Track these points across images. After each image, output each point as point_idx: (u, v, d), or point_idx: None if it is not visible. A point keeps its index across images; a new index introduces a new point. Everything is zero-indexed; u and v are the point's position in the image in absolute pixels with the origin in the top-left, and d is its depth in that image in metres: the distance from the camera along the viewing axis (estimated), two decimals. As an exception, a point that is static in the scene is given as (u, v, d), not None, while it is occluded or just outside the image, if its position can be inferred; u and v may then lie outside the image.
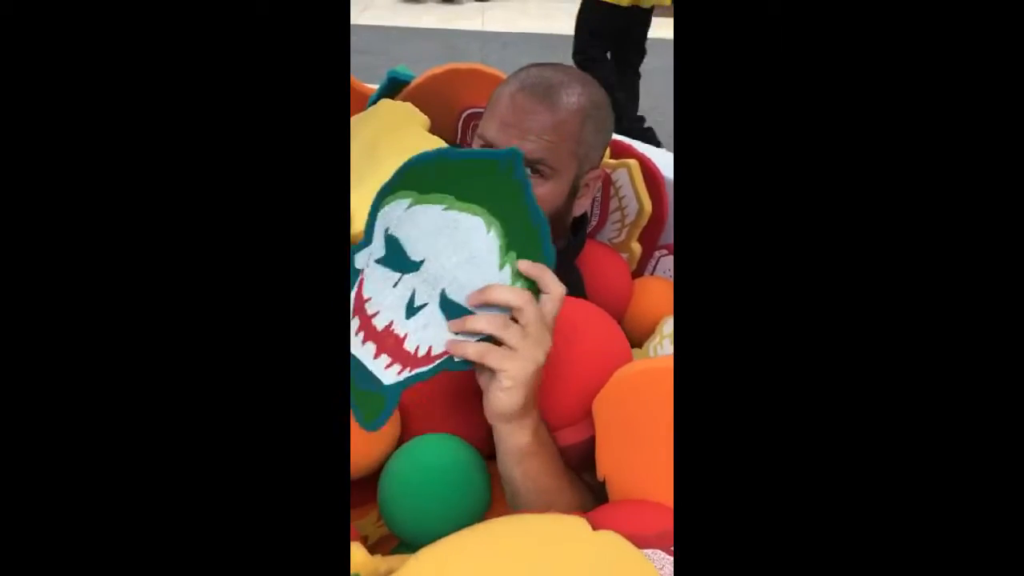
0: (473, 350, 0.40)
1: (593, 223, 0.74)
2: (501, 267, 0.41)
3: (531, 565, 0.34)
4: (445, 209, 0.43)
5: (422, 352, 0.42)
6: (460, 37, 4.47)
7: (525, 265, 0.41)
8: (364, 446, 0.48)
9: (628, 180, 0.71)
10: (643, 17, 2.66)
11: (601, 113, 0.62)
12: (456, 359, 0.41)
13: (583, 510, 0.45)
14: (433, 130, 0.62)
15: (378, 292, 0.44)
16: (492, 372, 0.40)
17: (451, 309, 0.42)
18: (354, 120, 0.68)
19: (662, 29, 4.66)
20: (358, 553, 0.34)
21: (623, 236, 0.74)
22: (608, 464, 0.46)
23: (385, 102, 0.67)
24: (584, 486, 0.48)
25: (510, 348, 0.40)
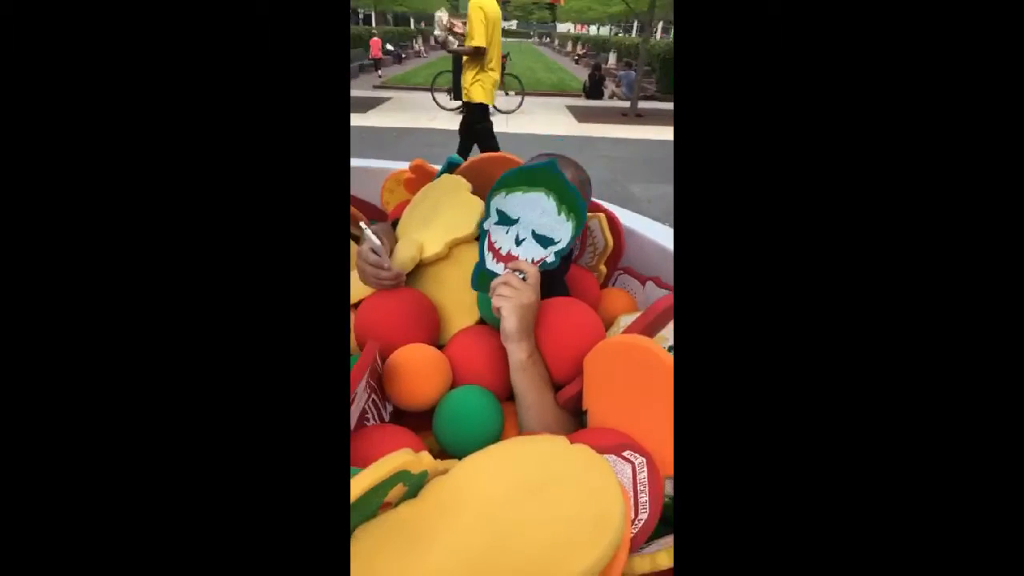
0: (493, 298, 0.49)
1: (576, 254, 0.74)
2: (559, 213, 0.51)
3: (530, 465, 0.34)
4: (523, 193, 0.52)
5: (529, 262, 0.52)
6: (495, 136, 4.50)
7: (514, 264, 0.51)
8: (429, 389, 0.49)
9: (598, 226, 0.72)
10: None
11: (587, 187, 0.63)
12: (548, 263, 0.51)
13: (562, 416, 0.48)
14: (475, 192, 0.64)
15: (499, 238, 0.54)
16: (498, 310, 0.49)
17: (540, 238, 0.52)
18: (425, 188, 0.69)
19: (620, 131, 4.64)
20: (426, 458, 0.34)
21: (594, 261, 0.74)
22: (590, 401, 0.46)
23: (445, 176, 0.68)
24: (554, 394, 0.49)
25: (504, 296, 0.49)
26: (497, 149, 2.66)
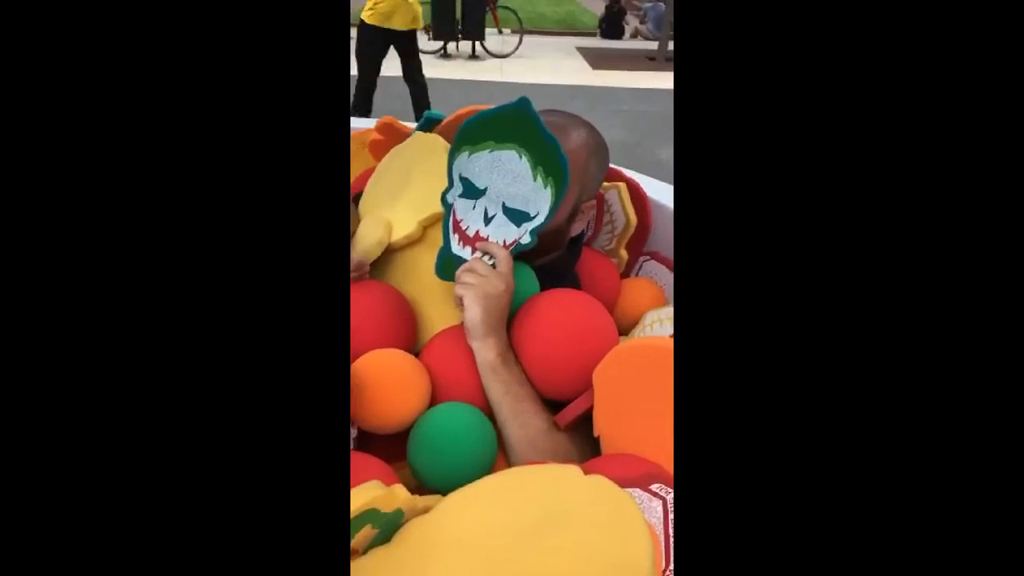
0: (455, 287, 0.51)
1: (589, 234, 0.74)
2: (535, 179, 0.51)
3: (535, 501, 0.34)
4: (491, 151, 0.53)
5: (499, 243, 0.53)
6: (484, 87, 4.49)
7: (482, 245, 0.53)
8: (402, 406, 0.49)
9: (617, 199, 0.71)
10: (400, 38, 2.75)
11: (602, 152, 0.63)
12: (523, 243, 0.52)
13: (560, 440, 0.48)
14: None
15: (465, 214, 0.55)
16: (460, 299, 0.51)
17: (511, 213, 0.53)
18: (393, 151, 0.68)
19: (644, 80, 4.65)
20: (401, 492, 0.35)
21: (613, 244, 0.74)
22: (603, 423, 0.47)
23: (418, 134, 0.67)
24: (546, 411, 0.50)
25: (467, 283, 0.50)
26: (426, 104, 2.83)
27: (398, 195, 0.64)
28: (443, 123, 0.69)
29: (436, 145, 0.63)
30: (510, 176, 0.52)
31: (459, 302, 0.51)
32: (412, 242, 0.62)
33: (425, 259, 0.59)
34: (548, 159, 0.50)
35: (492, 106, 0.61)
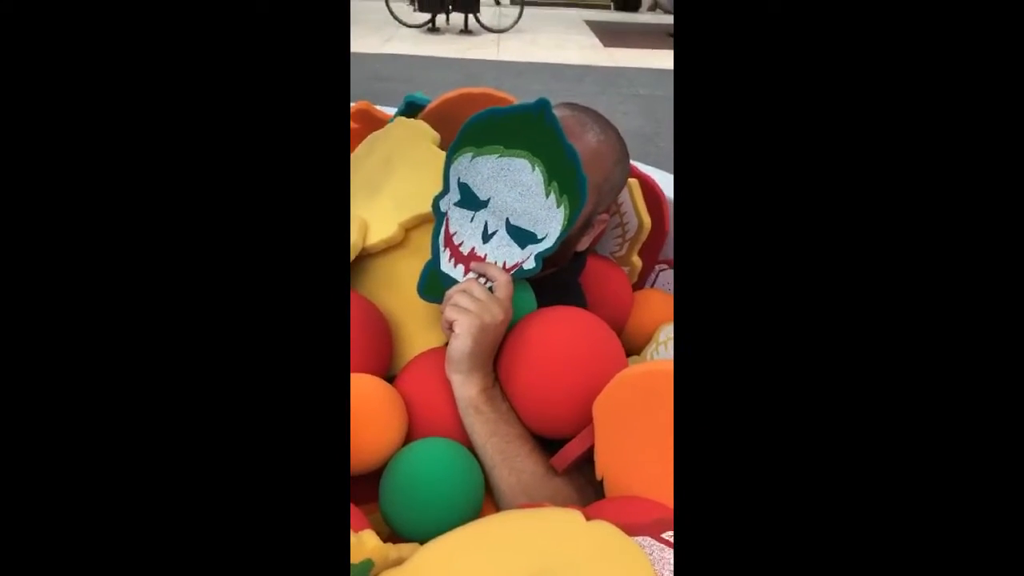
0: (445, 310, 0.51)
1: (594, 240, 0.75)
2: (547, 195, 0.51)
3: (530, 552, 0.34)
4: (499, 157, 0.52)
5: (499, 266, 0.54)
6: (477, 66, 4.54)
7: (477, 266, 0.53)
8: (374, 441, 0.49)
9: (629, 199, 0.72)
10: None
11: (625, 163, 0.65)
12: (525, 269, 0.53)
13: (555, 485, 0.49)
14: (444, 146, 0.63)
15: (460, 227, 0.55)
16: (450, 325, 0.51)
17: (516, 232, 0.53)
18: (371, 137, 0.69)
19: (664, 60, 4.71)
20: (370, 540, 0.35)
21: (624, 250, 0.75)
22: (606, 463, 0.47)
23: (399, 120, 0.68)
24: (540, 452, 0.51)
25: (462, 308, 0.50)
26: None
27: (376, 191, 0.64)
28: (428, 108, 0.70)
29: (421, 132, 0.64)
30: (518, 189, 0.52)
31: (447, 327, 0.52)
32: (392, 247, 0.62)
33: (406, 267, 0.60)
34: (565, 174, 0.50)
35: (486, 89, 0.62)
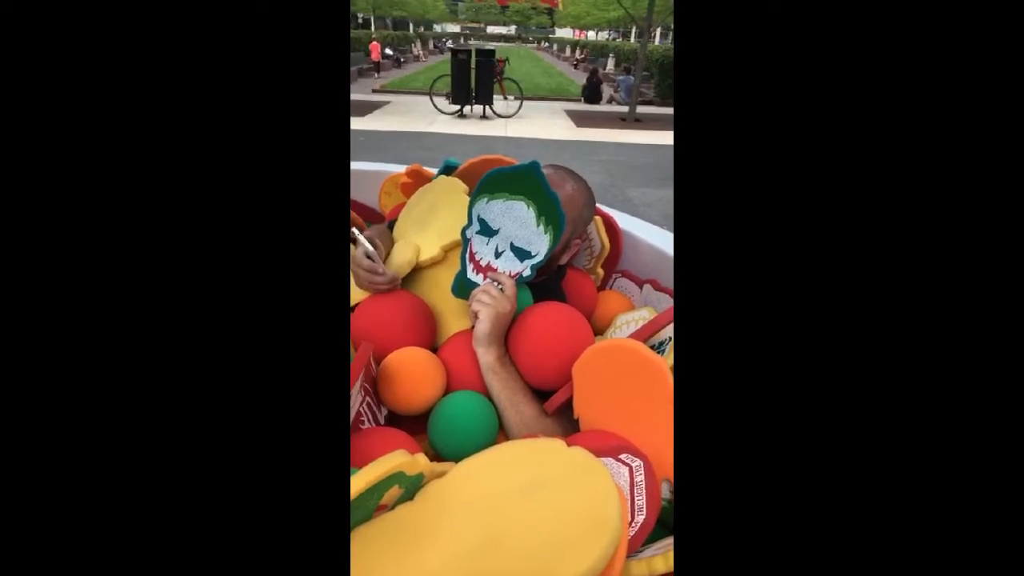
0: (472, 304, 0.52)
1: (572, 256, 0.74)
2: (537, 226, 0.52)
3: (528, 468, 0.34)
4: (505, 200, 0.53)
5: (506, 273, 0.54)
6: (491, 140, 4.54)
7: (492, 275, 0.53)
8: (424, 393, 0.49)
9: (595, 229, 0.72)
10: None
11: (592, 205, 0.64)
12: (524, 276, 0.53)
13: (546, 422, 0.48)
14: (470, 194, 0.63)
15: (480, 248, 0.55)
16: (475, 314, 0.51)
17: (518, 251, 0.54)
18: (421, 190, 0.69)
19: (619, 136, 4.69)
20: (422, 459, 0.34)
21: (592, 264, 0.74)
22: (581, 407, 0.46)
23: (441, 177, 0.68)
24: (536, 401, 0.50)
25: (483, 303, 0.51)
26: None
27: (425, 225, 0.64)
28: (460, 169, 0.69)
29: (455, 187, 0.64)
30: (519, 222, 0.53)
31: (473, 316, 0.52)
32: (435, 262, 0.62)
33: (445, 276, 0.60)
34: (549, 211, 0.51)
35: (498, 156, 0.62)
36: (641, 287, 0.72)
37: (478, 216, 0.55)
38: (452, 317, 0.60)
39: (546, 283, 0.63)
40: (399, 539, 0.29)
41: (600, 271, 0.74)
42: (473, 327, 0.52)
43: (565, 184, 0.59)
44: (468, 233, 0.56)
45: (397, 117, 5.32)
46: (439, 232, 0.62)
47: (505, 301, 0.51)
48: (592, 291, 0.70)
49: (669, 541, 0.33)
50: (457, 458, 0.37)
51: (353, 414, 0.42)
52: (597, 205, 0.73)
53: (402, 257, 0.59)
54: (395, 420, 0.51)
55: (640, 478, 0.34)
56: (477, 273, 0.55)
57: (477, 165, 0.68)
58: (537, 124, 5.50)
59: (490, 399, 0.50)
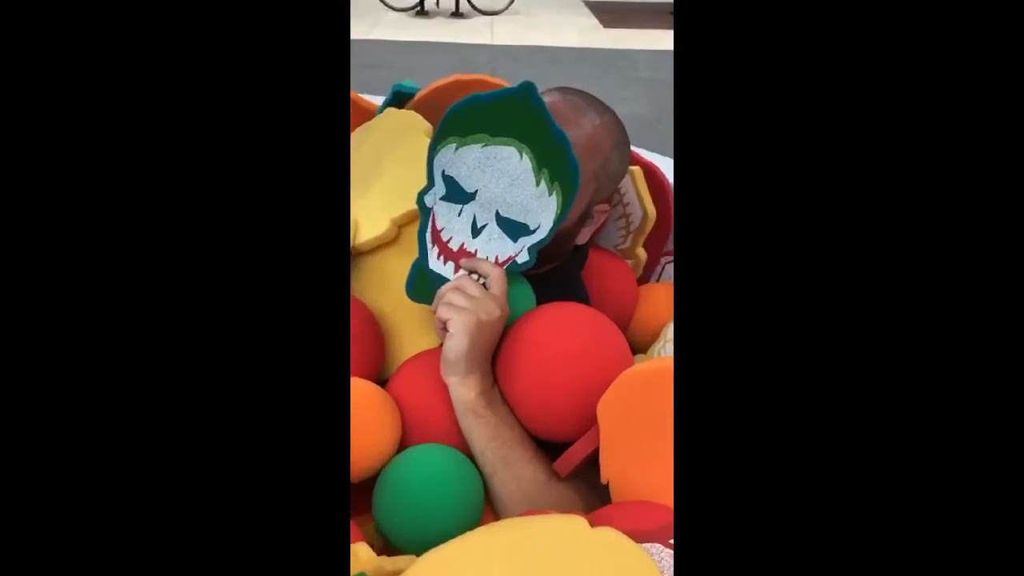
0: (439, 309, 0.52)
1: (592, 230, 0.74)
2: (537, 184, 0.51)
3: (532, 562, 0.35)
4: (484, 146, 0.52)
5: (491, 261, 0.54)
6: (469, 50, 4.53)
7: (464, 263, 0.54)
8: (366, 448, 0.49)
9: (632, 187, 0.72)
10: None
11: (625, 149, 0.64)
12: (519, 263, 0.53)
13: (559, 491, 0.49)
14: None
15: (448, 222, 0.55)
16: (444, 325, 0.51)
17: (506, 225, 0.53)
18: (359, 130, 0.69)
19: (667, 41, 4.71)
20: (363, 551, 0.35)
21: (628, 243, 0.74)
22: (612, 466, 0.47)
23: (389, 111, 0.68)
24: (542, 457, 0.51)
25: (456, 307, 0.50)
26: None
27: (365, 187, 0.64)
28: (418, 97, 0.69)
29: (412, 124, 0.64)
30: (507, 179, 0.52)
31: (441, 327, 0.52)
32: (384, 244, 0.62)
33: (399, 266, 0.60)
34: (555, 160, 0.50)
35: (478, 76, 0.61)
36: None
37: (443, 173, 0.54)
38: (408, 329, 0.60)
39: (556, 274, 0.63)
40: None
41: (641, 253, 0.75)
42: (442, 345, 0.52)
43: (580, 118, 0.59)
44: (428, 199, 0.56)
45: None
46: (389, 197, 0.62)
47: (491, 303, 0.51)
48: (629, 284, 0.71)
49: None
50: (419, 549, 0.37)
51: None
52: (635, 150, 0.73)
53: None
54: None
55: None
56: (445, 261, 0.55)
57: (446, 91, 0.67)
58: (541, 24, 5.50)
59: (470, 456, 0.51)
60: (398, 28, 4.90)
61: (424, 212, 0.57)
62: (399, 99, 0.72)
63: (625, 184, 0.72)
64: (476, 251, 0.54)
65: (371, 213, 0.63)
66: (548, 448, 0.52)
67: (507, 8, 5.78)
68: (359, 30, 4.70)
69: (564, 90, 0.62)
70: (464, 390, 0.51)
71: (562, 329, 0.52)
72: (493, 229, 0.54)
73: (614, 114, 0.63)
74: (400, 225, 0.62)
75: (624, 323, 0.69)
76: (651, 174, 0.74)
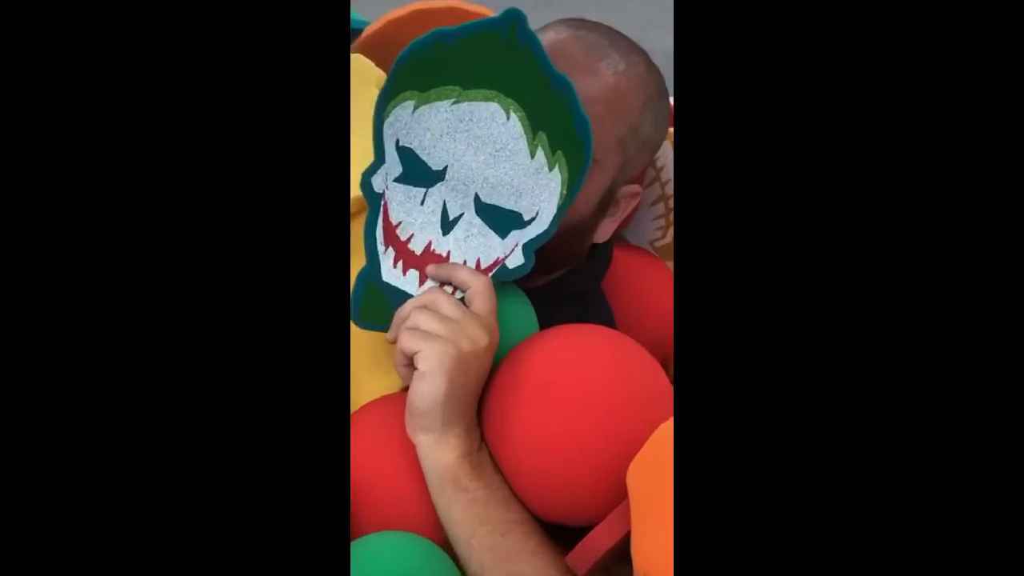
0: (401, 338, 0.49)
1: (619, 216, 0.71)
2: (532, 155, 0.48)
3: None
4: (453, 103, 0.49)
5: (471, 266, 0.52)
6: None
7: (432, 270, 0.51)
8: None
9: (673, 159, 0.67)
10: None
11: (664, 105, 0.60)
12: (510, 268, 0.51)
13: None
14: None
15: (407, 213, 0.52)
16: (409, 361, 0.49)
17: (490, 213, 0.50)
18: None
19: None
20: None
21: (668, 237, 0.70)
22: (648, 554, 0.43)
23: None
24: (549, 545, 0.48)
25: (426, 334, 0.47)
26: None
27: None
28: (366, 33, 0.69)
29: (356, 72, 0.59)
30: (488, 148, 0.49)
31: (405, 363, 0.49)
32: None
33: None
34: (556, 120, 0.47)
35: (452, 1, 0.60)
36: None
37: (397, 143, 0.51)
38: (356, 368, 0.55)
39: (565, 284, 0.62)
40: None
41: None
42: (406, 389, 0.50)
43: (598, 62, 0.56)
44: (378, 182, 0.53)
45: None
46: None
47: (474, 327, 0.48)
48: (670, 293, 0.67)
49: None
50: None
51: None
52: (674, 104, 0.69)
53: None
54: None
55: None
56: (405, 269, 0.52)
57: (405, 24, 0.66)
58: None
59: (446, 548, 0.49)
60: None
61: (372, 201, 0.53)
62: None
63: (663, 154, 0.67)
64: (449, 253, 0.52)
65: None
66: (557, 533, 0.49)
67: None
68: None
69: (575, 23, 0.58)
70: (440, 452, 0.48)
71: (576, 363, 0.50)
72: (472, 220, 0.51)
73: (646, 57, 0.59)
74: (353, 211, 0.58)
75: (665, 352, 0.64)
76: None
